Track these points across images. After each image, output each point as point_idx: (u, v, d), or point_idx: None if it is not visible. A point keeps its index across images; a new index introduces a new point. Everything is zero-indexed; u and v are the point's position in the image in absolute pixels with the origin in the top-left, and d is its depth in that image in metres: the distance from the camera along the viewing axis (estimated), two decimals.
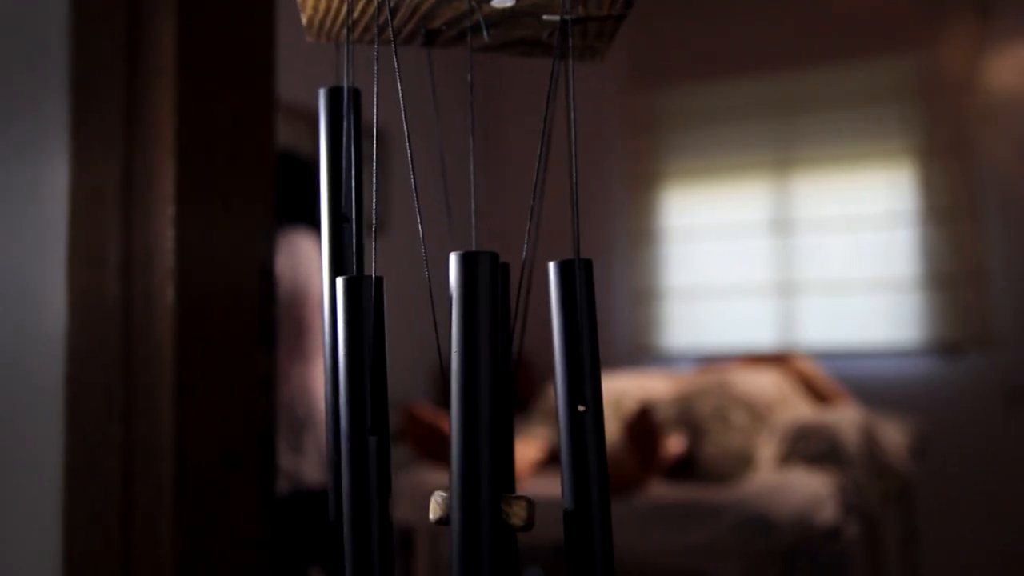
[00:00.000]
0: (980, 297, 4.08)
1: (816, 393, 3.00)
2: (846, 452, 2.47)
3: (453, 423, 0.53)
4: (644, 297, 4.70)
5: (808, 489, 2.29)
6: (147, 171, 0.85)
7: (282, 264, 2.72)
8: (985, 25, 4.16)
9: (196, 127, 0.85)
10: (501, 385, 0.63)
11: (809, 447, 2.47)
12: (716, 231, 4.57)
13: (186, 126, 0.85)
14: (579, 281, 0.58)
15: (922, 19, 4.25)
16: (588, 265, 0.59)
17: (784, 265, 4.43)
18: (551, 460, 2.48)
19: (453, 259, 0.54)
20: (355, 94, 0.63)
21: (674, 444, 2.27)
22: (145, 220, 0.85)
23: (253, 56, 0.90)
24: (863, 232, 4.29)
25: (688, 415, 2.39)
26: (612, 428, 2.50)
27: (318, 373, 2.71)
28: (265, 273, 0.91)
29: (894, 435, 2.97)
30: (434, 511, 0.56)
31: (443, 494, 0.56)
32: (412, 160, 0.57)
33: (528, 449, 2.40)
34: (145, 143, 0.85)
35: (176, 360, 0.83)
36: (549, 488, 2.25)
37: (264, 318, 0.90)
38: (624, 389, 2.71)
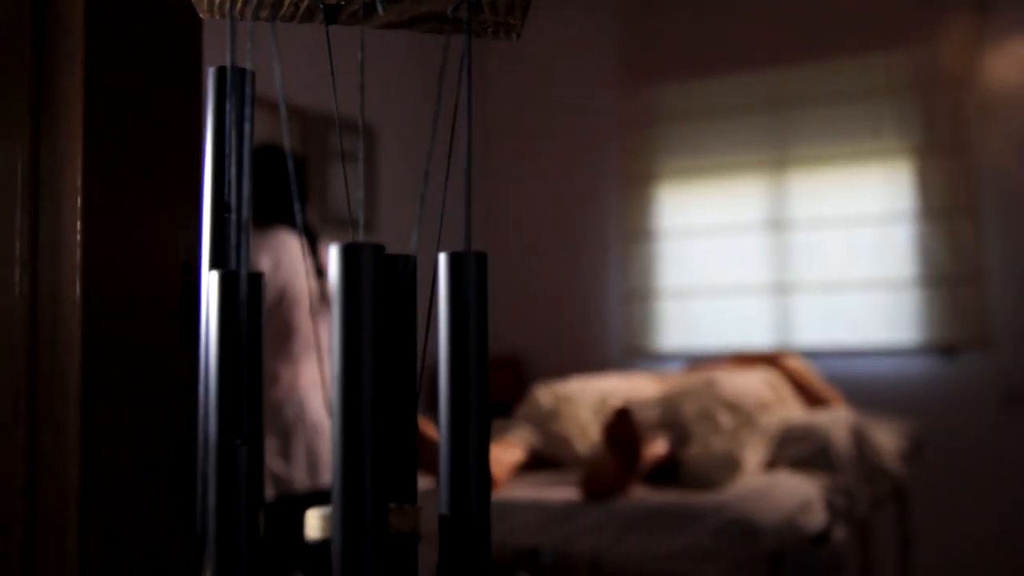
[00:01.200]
0: (978, 297, 4.02)
1: (807, 394, 2.94)
2: (836, 455, 2.41)
3: (334, 428, 0.49)
4: (638, 297, 4.64)
5: (796, 492, 2.24)
6: (55, 161, 0.80)
7: (265, 263, 2.66)
8: (983, 21, 4.10)
9: (108, 113, 0.81)
10: (403, 386, 0.59)
11: (798, 450, 2.41)
12: (711, 230, 4.51)
13: (96, 112, 0.80)
14: (467, 275, 0.53)
15: (920, 15, 4.19)
16: (481, 259, 0.54)
17: (780, 264, 4.38)
18: (532, 463, 2.43)
19: (333, 252, 0.49)
20: (244, 75, 0.58)
21: (657, 447, 2.22)
22: (52, 212, 0.80)
23: (176, 38, 0.85)
24: (860, 230, 4.23)
25: (672, 417, 2.34)
26: (595, 430, 2.45)
27: (308, 375, 2.65)
28: (189, 269, 0.87)
29: (886, 437, 2.92)
30: (313, 530, 0.51)
31: (323, 510, 0.51)
32: (288, 142, 0.52)
33: (509, 452, 2.35)
34: (53, 131, 0.80)
35: (83, 362, 0.78)
36: (529, 491, 2.21)
37: (187, 318, 0.86)
38: (609, 390, 2.66)
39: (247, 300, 0.49)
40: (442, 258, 0.54)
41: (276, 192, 2.78)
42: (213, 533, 0.50)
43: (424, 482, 2.26)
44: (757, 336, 4.36)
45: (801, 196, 4.36)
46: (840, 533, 2.36)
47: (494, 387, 4.38)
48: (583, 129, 4.94)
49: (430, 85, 4.79)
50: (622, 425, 2.01)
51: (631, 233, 4.68)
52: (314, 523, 0.50)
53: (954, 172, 4.09)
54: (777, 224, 4.39)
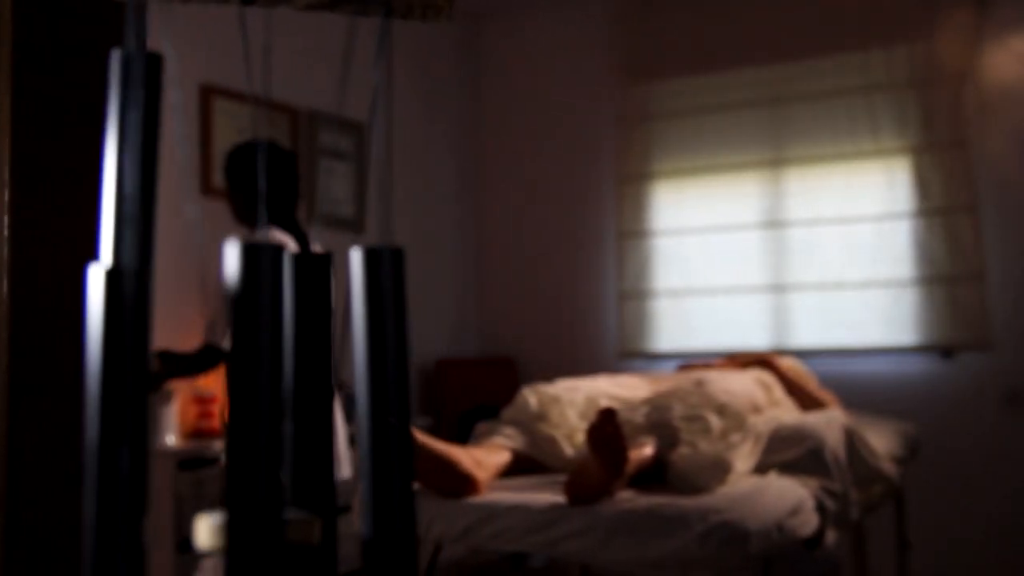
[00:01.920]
0: (977, 297, 3.96)
1: (801, 395, 2.90)
2: (828, 457, 2.37)
3: (228, 434, 0.45)
4: (634, 297, 4.60)
5: (787, 496, 2.19)
6: None
7: None
8: (982, 17, 4.05)
9: (38, 105, 0.77)
10: (317, 389, 0.55)
11: (789, 452, 2.37)
12: (708, 229, 4.47)
13: (26, 103, 0.76)
14: (384, 272, 0.49)
15: (918, 11, 4.14)
16: (398, 255, 0.50)
17: (777, 264, 4.34)
18: (519, 466, 2.39)
19: (230, 250, 0.45)
20: (154, 60, 0.54)
21: (644, 449, 2.18)
22: None
23: (108, 30, 0.82)
24: (857, 229, 4.18)
25: (660, 418, 2.30)
26: (582, 432, 2.41)
27: None
28: None
29: (881, 439, 2.87)
30: (205, 539, 0.47)
31: (214, 518, 0.47)
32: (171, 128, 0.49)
33: (494, 454, 2.31)
34: None
35: (10, 363, 0.74)
36: (514, 495, 2.17)
37: None
38: (598, 391, 2.62)
39: (135, 297, 0.46)
40: (355, 255, 0.50)
41: (268, 191, 2.74)
42: (91, 542, 0.46)
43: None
44: (754, 336, 4.32)
45: (798, 195, 4.31)
46: (833, 537, 2.31)
47: (487, 388, 4.34)
48: (578, 127, 4.90)
49: (419, 81, 4.75)
50: (607, 427, 1.97)
51: (626, 232, 4.64)
52: (203, 533, 0.46)
53: (953, 170, 4.04)
54: (774, 223, 4.35)
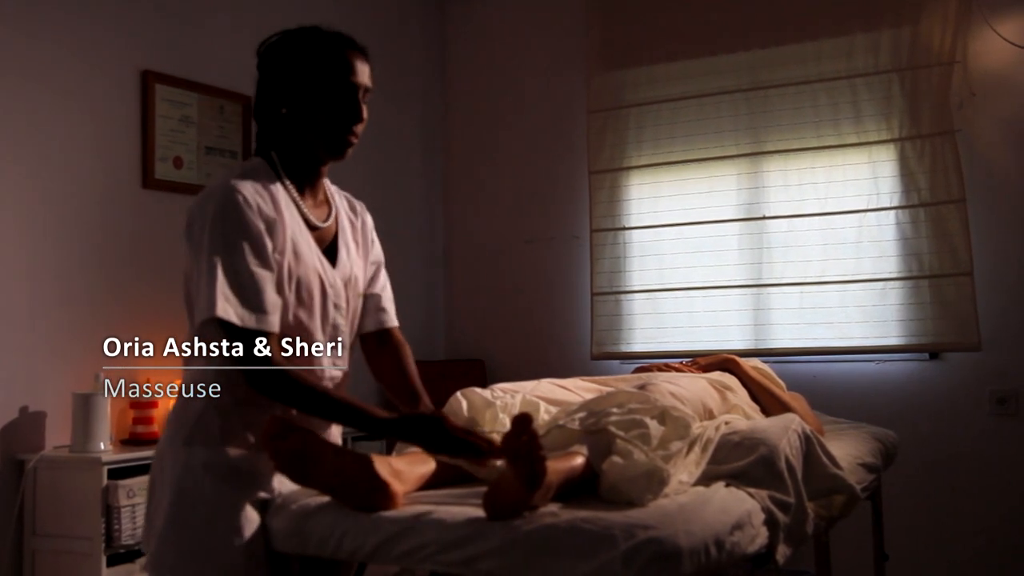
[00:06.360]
0: (965, 294, 3.76)
1: (767, 397, 2.72)
2: (780, 466, 2.19)
3: None
4: (607, 296, 4.41)
5: (732, 508, 2.01)
6: None
7: None
8: (970, 1, 3.86)
9: None
10: None
11: (737, 460, 2.19)
12: (684, 224, 4.29)
13: None
14: None
15: None
16: None
17: (757, 260, 4.15)
18: (446, 476, 2.22)
19: None
20: None
21: (573, 459, 2.00)
22: None
23: None
24: (841, 223, 3.99)
25: (596, 424, 2.12)
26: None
27: None
28: None
29: (852, 445, 2.70)
30: None
31: None
32: None
33: (416, 464, 2.15)
34: None
35: None
36: (433, 509, 1.99)
37: None
38: (540, 394, 2.45)
39: None
40: None
41: None
42: None
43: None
44: (733, 336, 4.13)
45: (778, 187, 4.13)
46: (785, 553, 2.13)
47: (453, 391, 4.17)
48: (548, 117, 4.72)
49: (382, 70, 4.59)
50: (521, 436, 1.79)
51: (599, 228, 4.45)
52: None
53: (940, 161, 3.84)
54: (753, 217, 4.17)
